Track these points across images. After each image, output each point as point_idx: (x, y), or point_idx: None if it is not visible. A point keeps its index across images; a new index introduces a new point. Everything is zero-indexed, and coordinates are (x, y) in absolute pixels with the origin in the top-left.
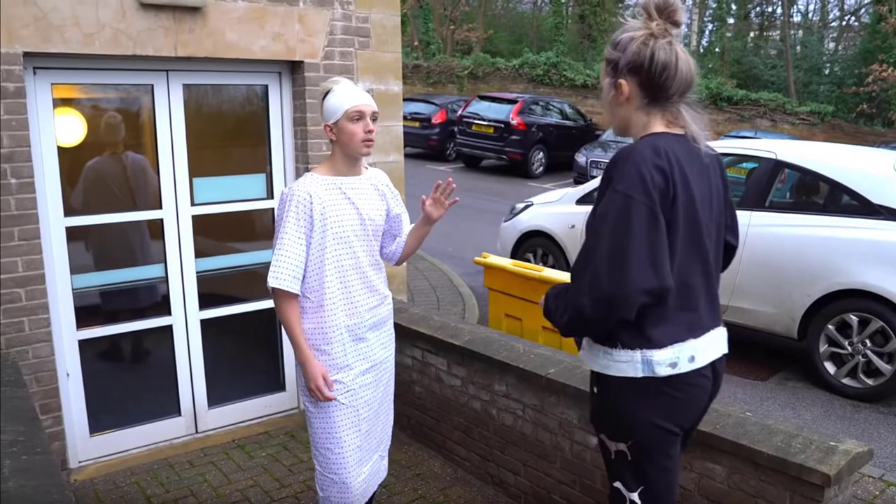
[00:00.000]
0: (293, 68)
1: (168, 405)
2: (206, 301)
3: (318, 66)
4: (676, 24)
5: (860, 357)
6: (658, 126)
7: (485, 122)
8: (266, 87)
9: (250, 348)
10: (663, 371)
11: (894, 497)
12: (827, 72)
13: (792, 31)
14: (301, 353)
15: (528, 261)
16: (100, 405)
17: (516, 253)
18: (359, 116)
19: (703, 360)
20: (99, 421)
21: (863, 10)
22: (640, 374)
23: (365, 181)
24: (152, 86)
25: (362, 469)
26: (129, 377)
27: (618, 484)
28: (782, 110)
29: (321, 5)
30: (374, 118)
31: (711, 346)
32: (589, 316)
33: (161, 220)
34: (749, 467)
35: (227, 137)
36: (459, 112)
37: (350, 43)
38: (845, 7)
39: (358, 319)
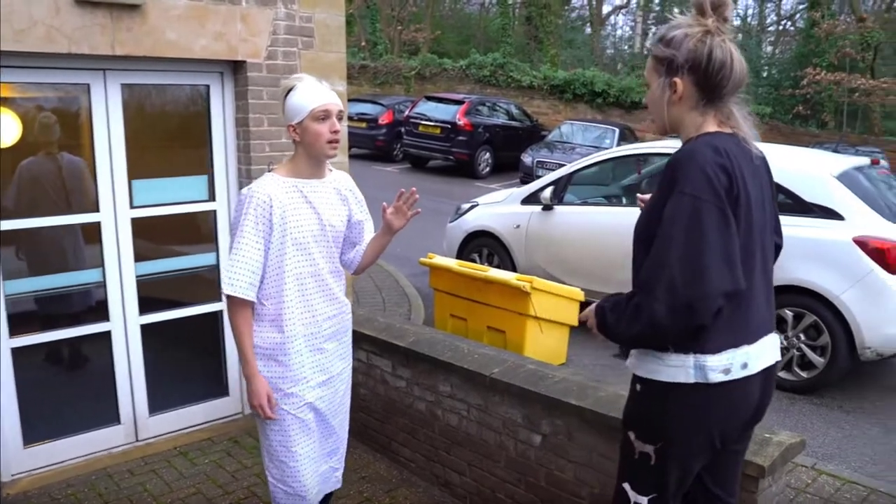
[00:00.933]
0: (235, 68)
1: (107, 413)
2: (146, 305)
3: (260, 66)
4: (726, 21)
5: (795, 351)
6: (711, 126)
7: (431, 123)
8: (208, 87)
9: (192, 353)
10: (716, 377)
11: (825, 485)
12: (765, 74)
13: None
14: (248, 366)
15: (474, 261)
16: (34, 415)
17: (462, 253)
18: (325, 116)
19: (756, 367)
20: (33, 431)
21: (798, 16)
22: (691, 380)
23: (328, 184)
24: (88, 85)
25: (316, 479)
26: (65, 385)
27: (626, 485)
28: None
29: (264, 5)
30: (340, 117)
31: (765, 352)
32: (666, 324)
33: (98, 224)
34: None
35: (168, 138)
36: (406, 113)
37: (293, 43)
38: (782, 12)
39: (315, 329)
